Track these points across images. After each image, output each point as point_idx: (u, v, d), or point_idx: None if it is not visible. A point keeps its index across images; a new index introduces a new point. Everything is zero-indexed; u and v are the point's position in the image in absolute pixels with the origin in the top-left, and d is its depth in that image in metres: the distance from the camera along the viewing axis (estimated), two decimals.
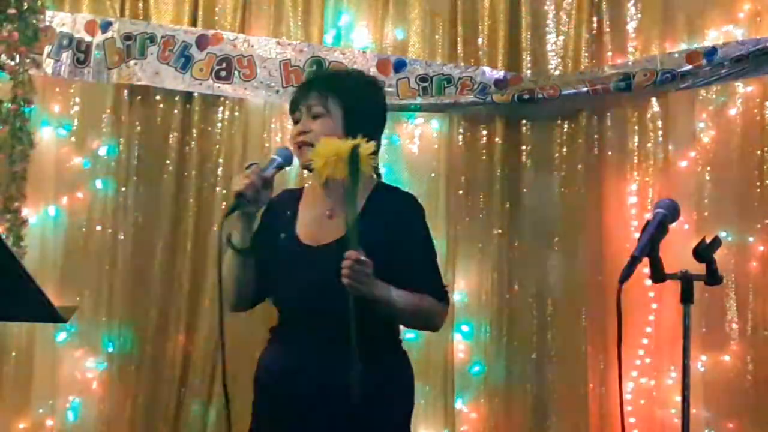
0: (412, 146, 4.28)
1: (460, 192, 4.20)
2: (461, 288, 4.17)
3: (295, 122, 2.26)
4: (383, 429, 2.13)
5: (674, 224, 2.04)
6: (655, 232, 1.94)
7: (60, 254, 4.27)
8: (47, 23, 4.14)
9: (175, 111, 4.34)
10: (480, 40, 4.25)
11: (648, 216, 2.15)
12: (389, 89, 4.09)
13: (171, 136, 4.33)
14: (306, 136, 2.18)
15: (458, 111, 4.19)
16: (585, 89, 4.01)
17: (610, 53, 4.17)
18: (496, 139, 4.19)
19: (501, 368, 4.09)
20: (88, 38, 4.26)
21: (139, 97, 4.36)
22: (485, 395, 4.10)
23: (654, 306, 3.96)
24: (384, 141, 4.13)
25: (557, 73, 4.18)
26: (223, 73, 4.21)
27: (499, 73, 4.13)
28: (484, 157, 4.21)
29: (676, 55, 3.99)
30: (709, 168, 4.05)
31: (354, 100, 2.22)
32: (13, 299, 1.90)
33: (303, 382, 2.08)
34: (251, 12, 4.38)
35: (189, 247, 4.23)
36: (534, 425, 4.08)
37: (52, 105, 4.37)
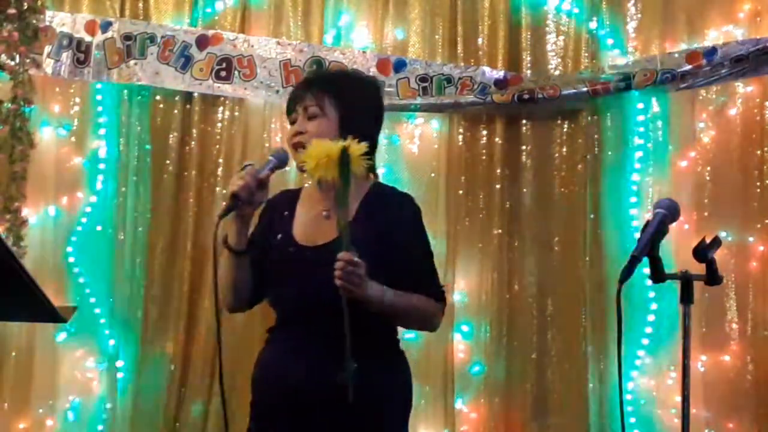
0: (412, 146, 4.28)
1: (460, 192, 4.20)
2: (461, 288, 4.18)
3: (292, 123, 2.25)
4: (381, 428, 2.13)
5: (674, 224, 2.04)
6: (655, 232, 1.93)
7: (60, 254, 4.27)
8: (47, 23, 4.14)
9: (175, 111, 4.35)
10: (480, 40, 4.25)
11: (648, 216, 2.15)
12: (389, 89, 4.10)
13: (171, 136, 4.33)
14: (301, 137, 2.18)
15: (458, 111, 4.19)
16: (585, 89, 4.01)
17: (610, 53, 4.17)
18: (496, 139, 4.19)
19: (501, 368, 4.10)
20: (88, 38, 4.26)
21: (139, 97, 4.36)
22: (485, 395, 4.10)
23: (654, 306, 3.96)
24: (384, 141, 4.17)
25: (557, 73, 4.19)
26: (223, 73, 4.21)
27: (499, 73, 4.13)
28: (484, 157, 4.22)
29: (676, 55, 3.99)
30: (709, 168, 4.05)
31: (350, 101, 2.21)
32: (13, 299, 1.90)
33: (299, 382, 2.08)
34: (251, 12, 4.38)
35: (189, 247, 4.24)
36: (534, 425, 4.08)
37: (52, 105, 4.37)
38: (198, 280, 4.19)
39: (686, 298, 1.98)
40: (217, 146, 4.33)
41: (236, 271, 2.18)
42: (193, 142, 4.34)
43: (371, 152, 2.22)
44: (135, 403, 4.21)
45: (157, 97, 4.36)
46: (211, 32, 4.27)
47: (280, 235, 2.21)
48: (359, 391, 1.98)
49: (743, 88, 4.04)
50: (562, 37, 4.22)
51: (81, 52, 4.25)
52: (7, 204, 3.87)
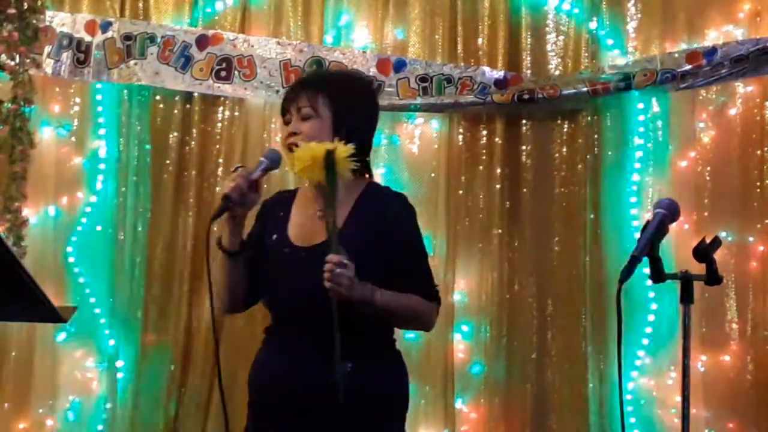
0: (412, 146, 4.28)
1: (460, 192, 4.20)
2: (461, 288, 4.18)
3: (286, 124, 2.25)
4: (378, 428, 2.13)
5: (674, 224, 2.04)
6: (655, 232, 1.93)
7: (60, 254, 4.27)
8: (47, 23, 4.14)
9: (175, 111, 4.35)
10: (480, 40, 4.25)
11: (648, 216, 2.15)
12: (389, 89, 4.10)
13: (171, 136, 4.33)
14: (295, 138, 2.17)
15: (458, 111, 4.19)
16: (585, 89, 4.01)
17: (610, 53, 4.17)
18: (496, 139, 4.20)
19: (501, 368, 4.10)
20: (88, 38, 4.26)
21: (139, 97, 4.36)
22: (485, 395, 4.10)
23: (654, 306, 3.96)
24: (384, 141, 4.18)
25: (557, 73, 4.19)
26: (223, 73, 4.22)
27: (499, 73, 4.14)
28: (484, 157, 4.22)
29: (676, 55, 3.99)
30: (709, 168, 4.05)
31: (343, 101, 2.20)
32: (13, 299, 1.90)
33: (295, 382, 2.08)
34: (251, 12, 4.38)
35: (189, 247, 4.24)
36: (534, 425, 4.08)
37: (52, 105, 4.37)
38: (198, 280, 4.18)
39: (686, 298, 1.98)
40: (217, 146, 4.33)
41: (231, 273, 2.18)
42: (193, 142, 4.34)
43: (366, 152, 2.22)
44: (135, 403, 4.21)
45: (157, 97, 4.36)
46: (211, 32, 4.27)
47: (275, 236, 2.21)
48: (355, 391, 1.98)
49: (743, 88, 4.04)
50: (562, 37, 4.22)
51: (81, 52, 4.25)
52: (8, 204, 3.87)
